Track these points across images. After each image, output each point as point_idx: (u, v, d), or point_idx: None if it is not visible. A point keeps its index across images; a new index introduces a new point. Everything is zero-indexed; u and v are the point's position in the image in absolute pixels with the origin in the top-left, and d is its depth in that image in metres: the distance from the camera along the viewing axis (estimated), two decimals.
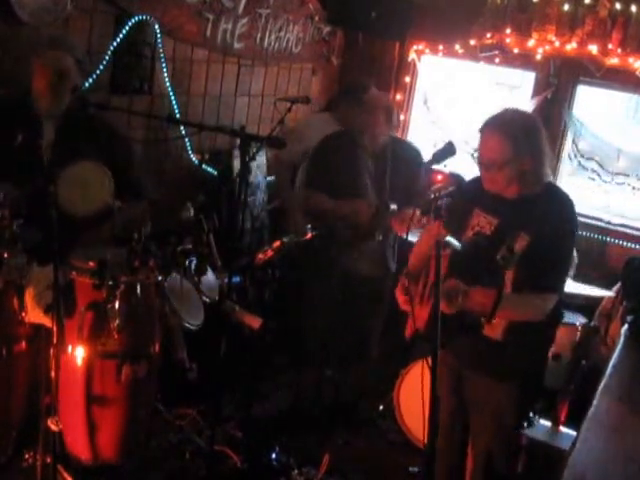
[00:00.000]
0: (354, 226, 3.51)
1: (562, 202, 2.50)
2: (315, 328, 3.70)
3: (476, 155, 2.59)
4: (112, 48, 3.53)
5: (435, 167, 2.72)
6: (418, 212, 3.44)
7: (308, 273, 3.70)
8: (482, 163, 2.48)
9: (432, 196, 2.18)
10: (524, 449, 3.11)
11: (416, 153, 3.69)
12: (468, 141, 5.00)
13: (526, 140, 2.41)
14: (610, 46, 4.21)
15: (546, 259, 2.38)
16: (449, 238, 2.29)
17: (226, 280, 2.98)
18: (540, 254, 2.36)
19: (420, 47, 5.08)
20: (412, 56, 5.14)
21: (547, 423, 3.29)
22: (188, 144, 4.14)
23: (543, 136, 2.48)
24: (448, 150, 3.51)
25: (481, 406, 2.62)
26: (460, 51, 4.78)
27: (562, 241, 2.45)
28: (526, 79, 5.08)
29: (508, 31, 4.50)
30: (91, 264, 2.60)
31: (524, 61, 4.63)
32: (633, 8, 4.12)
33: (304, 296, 3.75)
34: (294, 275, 3.84)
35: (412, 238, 3.20)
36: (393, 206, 3.52)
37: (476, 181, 2.58)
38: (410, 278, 2.60)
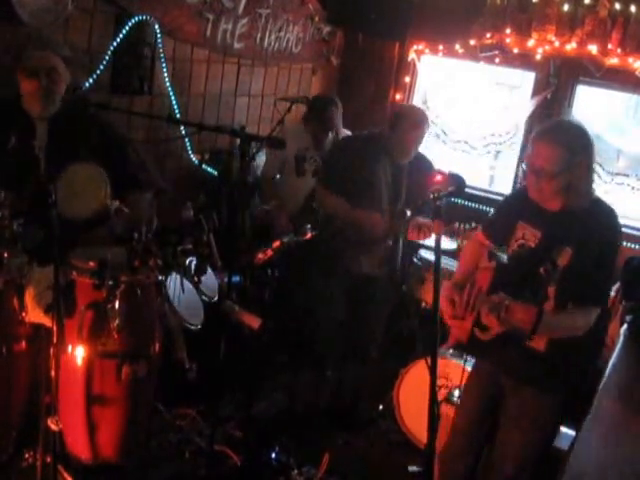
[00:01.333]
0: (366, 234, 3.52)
1: (607, 216, 2.48)
2: (319, 328, 3.70)
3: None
4: (112, 48, 3.53)
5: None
6: (422, 218, 3.48)
7: (313, 272, 3.69)
8: (534, 171, 2.45)
9: (432, 196, 2.18)
10: None
11: (430, 165, 3.70)
12: (468, 141, 5.02)
13: (582, 152, 2.39)
14: (610, 46, 4.21)
15: (589, 274, 2.36)
16: (495, 250, 2.29)
17: (226, 280, 2.98)
18: (584, 269, 2.35)
19: (420, 47, 5.09)
20: (412, 56, 5.15)
21: None
22: (188, 144, 4.15)
23: (594, 147, 2.45)
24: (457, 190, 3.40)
25: (519, 416, 2.58)
26: (460, 51, 4.78)
27: (606, 256, 2.41)
28: (526, 79, 5.08)
29: (508, 31, 4.51)
30: (91, 264, 2.60)
31: (524, 61, 4.63)
32: (633, 8, 4.12)
33: (309, 295, 3.74)
34: (296, 274, 3.83)
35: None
36: (408, 212, 3.54)
37: (520, 193, 2.58)
38: (456, 288, 2.60)
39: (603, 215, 2.47)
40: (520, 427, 2.58)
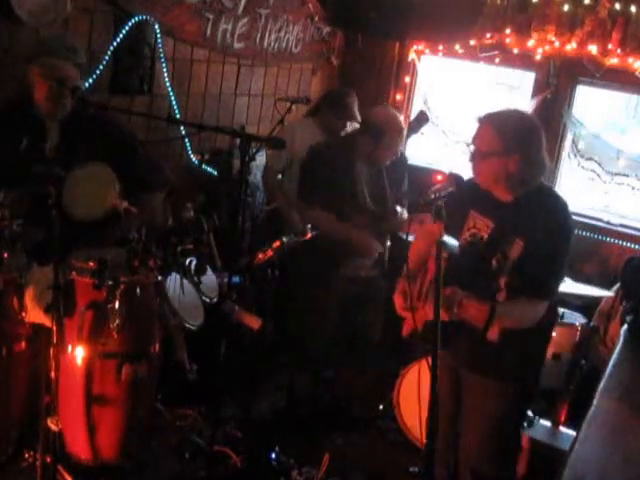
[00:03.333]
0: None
1: (554, 205, 2.49)
2: (317, 329, 3.69)
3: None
4: (112, 48, 3.53)
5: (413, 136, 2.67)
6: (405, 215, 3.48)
7: (308, 274, 3.69)
8: (471, 151, 2.51)
9: (432, 197, 2.18)
10: (526, 451, 3.11)
11: (402, 155, 3.70)
12: (468, 141, 5.01)
13: (515, 140, 2.40)
14: (610, 46, 4.21)
15: (540, 265, 2.37)
16: (446, 239, 2.28)
17: (226, 280, 2.98)
18: (534, 261, 2.35)
19: (420, 47, 5.08)
20: (412, 56, 5.14)
21: (547, 423, 3.30)
22: (188, 144, 4.14)
23: (536, 142, 2.46)
24: (422, 118, 3.54)
25: (476, 407, 2.61)
26: (460, 51, 4.78)
27: (555, 246, 2.42)
28: (526, 79, 5.08)
29: (508, 31, 4.50)
30: (91, 264, 2.60)
31: (524, 61, 4.63)
32: (633, 8, 4.12)
33: (305, 297, 3.74)
34: (292, 276, 3.84)
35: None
36: (399, 209, 3.54)
37: (473, 181, 2.58)
38: (409, 278, 2.59)
39: (553, 206, 2.48)
40: (476, 417, 2.60)
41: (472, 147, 2.50)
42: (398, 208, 3.55)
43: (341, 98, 4.15)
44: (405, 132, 3.61)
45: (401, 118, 3.64)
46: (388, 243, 3.74)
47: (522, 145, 2.42)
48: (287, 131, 4.07)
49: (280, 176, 4.24)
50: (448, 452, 2.74)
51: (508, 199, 2.50)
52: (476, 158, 2.49)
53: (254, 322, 2.96)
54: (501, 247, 2.35)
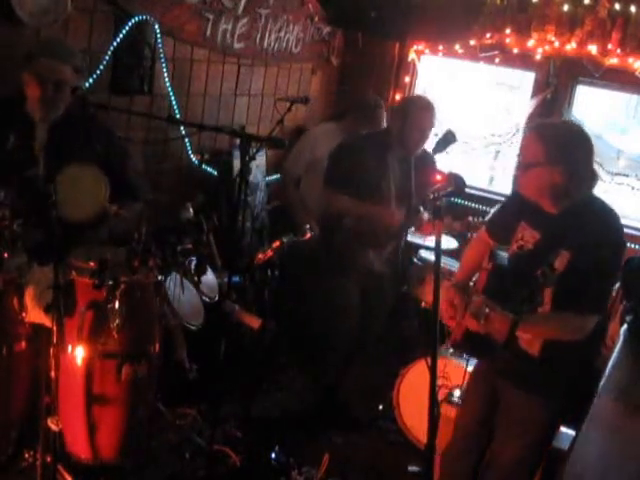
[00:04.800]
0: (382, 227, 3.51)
1: (607, 220, 2.42)
2: (336, 328, 3.68)
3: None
4: (112, 48, 3.52)
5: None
6: (426, 216, 3.48)
7: (326, 272, 3.68)
8: (518, 161, 2.48)
9: (431, 196, 2.18)
10: None
11: (432, 159, 3.70)
12: (468, 141, 5.01)
13: (560, 150, 2.35)
14: (609, 46, 4.21)
15: (587, 279, 2.32)
16: (498, 250, 2.27)
17: (226, 280, 2.98)
18: (581, 274, 2.30)
19: (420, 47, 5.09)
20: (412, 56, 5.15)
21: None
22: (188, 144, 4.14)
23: (583, 154, 2.39)
24: (449, 139, 3.53)
25: (512, 418, 2.58)
26: (460, 51, 4.79)
27: (602, 260, 2.34)
28: (526, 79, 5.08)
29: (508, 31, 4.51)
30: (91, 264, 2.60)
31: (524, 61, 4.63)
32: (632, 8, 4.12)
33: (321, 295, 3.73)
34: (301, 275, 3.84)
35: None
36: (421, 209, 3.54)
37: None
38: (457, 289, 2.59)
39: (602, 218, 2.42)
40: (511, 430, 2.58)
41: (519, 157, 2.47)
42: (421, 208, 3.54)
43: (372, 110, 4.17)
44: (434, 119, 3.55)
45: (429, 98, 3.63)
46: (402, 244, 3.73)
47: (567, 156, 2.35)
48: (308, 138, 4.09)
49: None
50: (469, 456, 2.75)
51: (555, 211, 2.45)
52: (520, 168, 2.45)
53: (254, 322, 2.97)
54: (547, 259, 2.28)
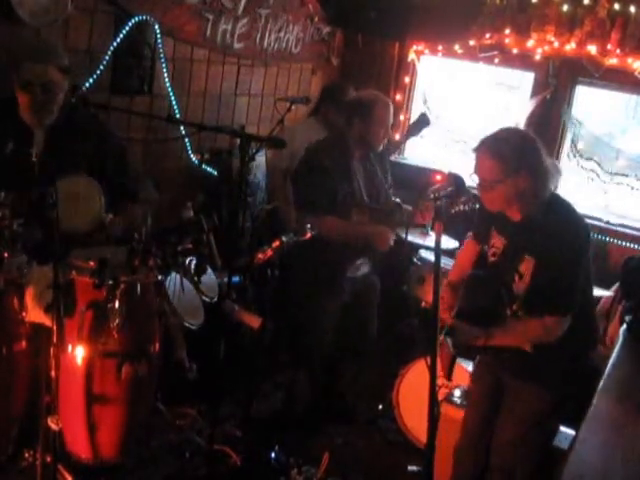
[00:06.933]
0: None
1: (565, 219, 2.45)
2: (319, 333, 3.67)
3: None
4: (112, 48, 3.53)
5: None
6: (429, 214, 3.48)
7: (314, 278, 3.65)
8: (478, 183, 2.48)
9: (431, 197, 2.18)
10: None
11: (384, 149, 3.68)
12: (467, 141, 5.01)
13: (519, 159, 2.36)
14: (609, 46, 4.21)
15: (550, 281, 2.36)
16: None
17: (226, 280, 2.98)
18: (545, 276, 2.36)
19: (420, 47, 5.09)
20: (412, 56, 5.15)
21: None
22: (188, 144, 4.15)
23: (540, 153, 2.42)
24: (422, 121, 3.51)
25: (512, 408, 2.63)
26: (460, 51, 4.79)
27: (564, 260, 2.37)
28: (525, 79, 5.08)
29: (507, 31, 4.51)
30: (91, 264, 2.60)
31: (523, 61, 4.63)
32: (632, 8, 4.12)
33: (308, 299, 3.72)
34: (296, 277, 3.83)
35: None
36: (397, 200, 3.54)
37: None
38: (450, 289, 2.66)
39: (560, 220, 2.44)
40: (510, 415, 2.62)
41: (476, 179, 2.46)
42: (398, 200, 3.54)
43: (341, 91, 4.13)
44: (392, 111, 3.50)
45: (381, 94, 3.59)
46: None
47: (524, 160, 2.37)
48: (286, 132, 4.07)
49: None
50: (477, 451, 2.76)
51: (518, 218, 2.49)
52: (484, 188, 2.46)
53: (254, 321, 2.96)
54: (513, 264, 2.34)
